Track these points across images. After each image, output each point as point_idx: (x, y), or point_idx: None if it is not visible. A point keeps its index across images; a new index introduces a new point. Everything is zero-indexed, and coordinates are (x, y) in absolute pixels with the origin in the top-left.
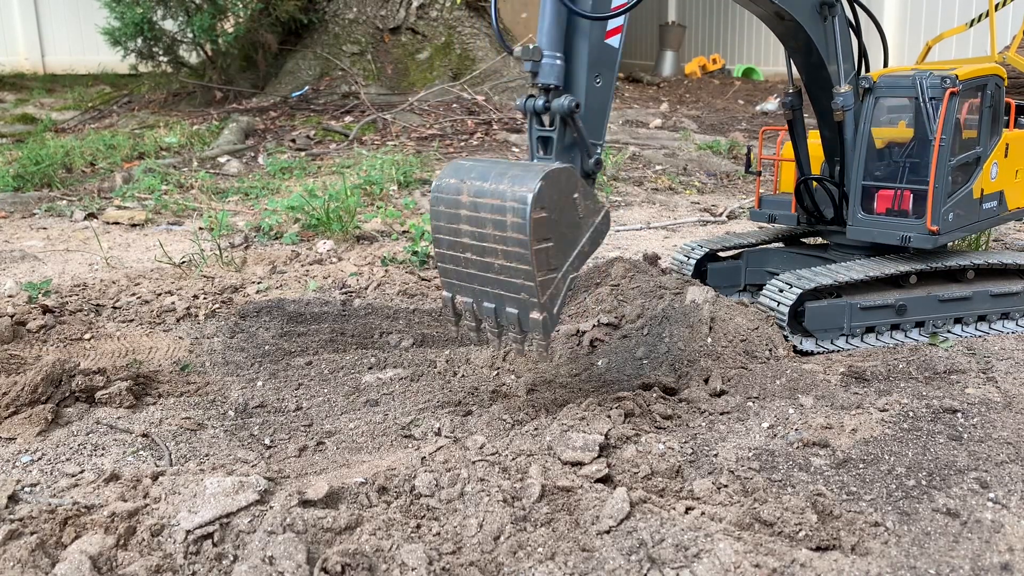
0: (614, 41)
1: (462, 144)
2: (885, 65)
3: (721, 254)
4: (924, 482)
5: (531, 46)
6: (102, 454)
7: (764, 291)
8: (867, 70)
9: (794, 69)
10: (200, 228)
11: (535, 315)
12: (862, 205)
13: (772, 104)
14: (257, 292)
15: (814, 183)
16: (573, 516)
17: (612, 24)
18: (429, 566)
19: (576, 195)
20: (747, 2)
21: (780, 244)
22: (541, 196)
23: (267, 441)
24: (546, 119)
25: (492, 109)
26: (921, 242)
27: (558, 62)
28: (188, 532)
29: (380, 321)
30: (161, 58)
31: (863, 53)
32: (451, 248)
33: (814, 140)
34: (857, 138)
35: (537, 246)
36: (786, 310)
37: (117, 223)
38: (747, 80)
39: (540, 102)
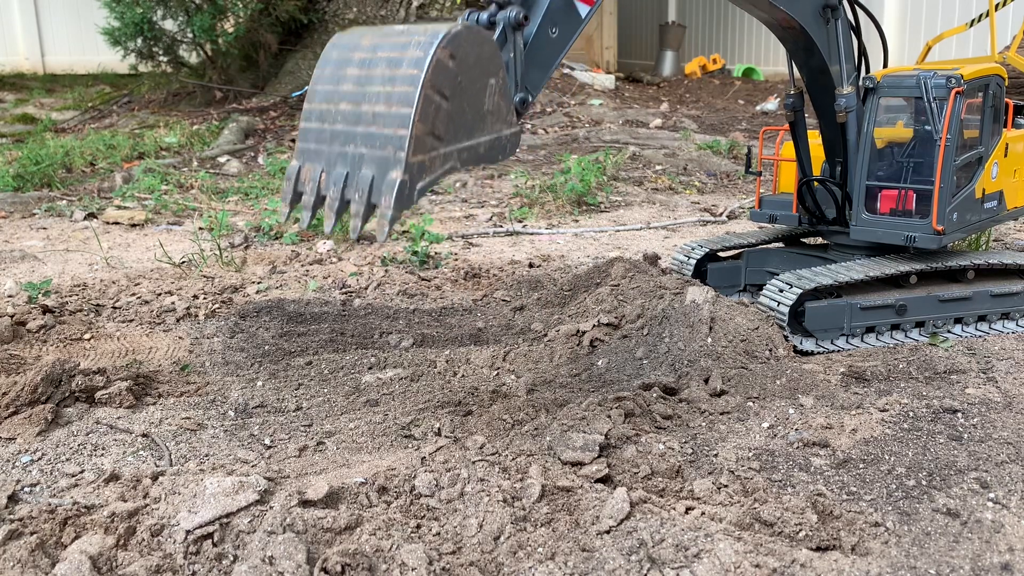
0: (583, 8)
1: None
2: (885, 65)
3: (721, 254)
4: (924, 482)
5: None
6: (102, 454)
7: (764, 291)
8: (867, 71)
9: (795, 70)
10: (200, 228)
11: (394, 174)
12: (866, 205)
13: (772, 104)
14: (257, 292)
15: (816, 184)
16: (573, 516)
17: None
18: (429, 566)
19: (492, 82)
20: (750, 7)
21: (780, 244)
22: (457, 40)
23: (267, 441)
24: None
25: None
26: (926, 242)
27: None
28: (188, 532)
29: (380, 321)
30: (161, 58)
31: (863, 54)
32: (326, 100)
33: (815, 140)
34: (860, 138)
35: (429, 91)
36: (786, 310)
37: (117, 223)
38: (747, 80)
39: (485, 16)
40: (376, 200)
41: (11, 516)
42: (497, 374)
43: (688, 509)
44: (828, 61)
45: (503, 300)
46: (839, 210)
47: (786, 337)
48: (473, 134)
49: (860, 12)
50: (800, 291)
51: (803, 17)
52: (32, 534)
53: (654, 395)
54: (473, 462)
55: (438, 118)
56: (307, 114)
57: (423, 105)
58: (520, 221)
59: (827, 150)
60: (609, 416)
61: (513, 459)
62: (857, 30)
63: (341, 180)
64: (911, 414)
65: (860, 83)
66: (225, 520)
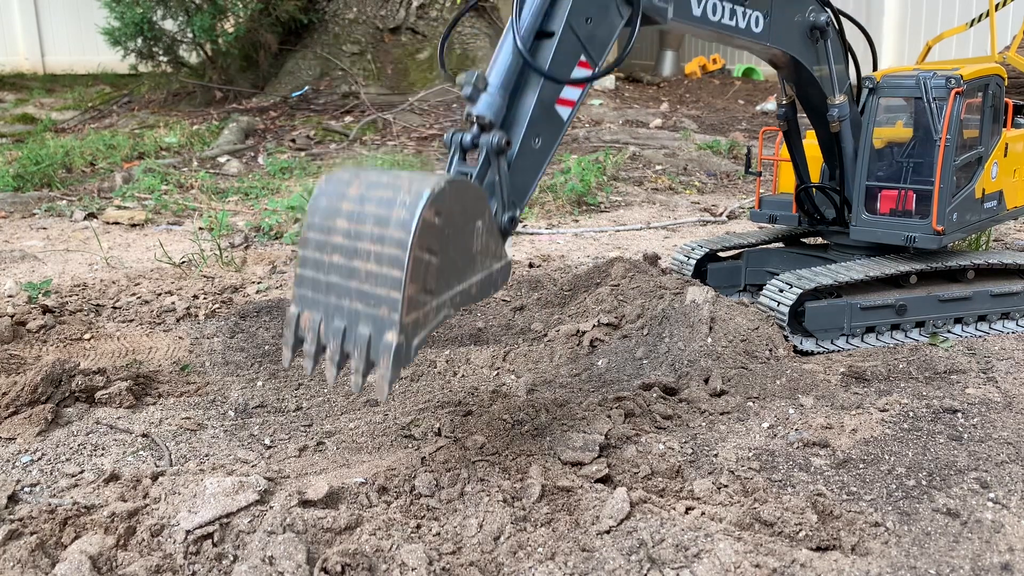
0: (563, 111)
1: None
2: (874, 69)
3: (721, 254)
4: (924, 482)
5: (476, 72)
6: (102, 454)
7: (764, 291)
8: (858, 76)
9: (785, 83)
10: (200, 228)
11: (390, 336)
12: (865, 205)
13: (772, 104)
14: (257, 292)
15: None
16: (573, 516)
17: (565, 94)
18: (429, 566)
19: (479, 224)
20: (742, 47)
21: (780, 244)
22: (441, 197)
23: (267, 441)
24: (471, 157)
25: None
26: (926, 242)
27: (499, 99)
28: (188, 532)
29: None
30: (161, 58)
31: (855, 61)
32: (318, 249)
33: (811, 140)
34: (861, 141)
35: (418, 252)
36: (786, 310)
37: (117, 223)
38: (747, 80)
39: (468, 137)
40: (374, 359)
41: (11, 516)
42: (497, 374)
43: (688, 509)
44: (818, 78)
45: (503, 300)
46: (838, 212)
47: (786, 337)
48: (464, 278)
49: (848, 20)
50: (800, 291)
51: (794, 48)
52: (32, 534)
53: (654, 395)
54: (473, 462)
55: (428, 274)
56: (302, 260)
57: (413, 267)
58: (520, 221)
59: (824, 154)
60: (609, 416)
61: (513, 459)
62: (842, 32)
63: (339, 334)
64: (911, 414)
65: (856, 89)
66: (225, 520)
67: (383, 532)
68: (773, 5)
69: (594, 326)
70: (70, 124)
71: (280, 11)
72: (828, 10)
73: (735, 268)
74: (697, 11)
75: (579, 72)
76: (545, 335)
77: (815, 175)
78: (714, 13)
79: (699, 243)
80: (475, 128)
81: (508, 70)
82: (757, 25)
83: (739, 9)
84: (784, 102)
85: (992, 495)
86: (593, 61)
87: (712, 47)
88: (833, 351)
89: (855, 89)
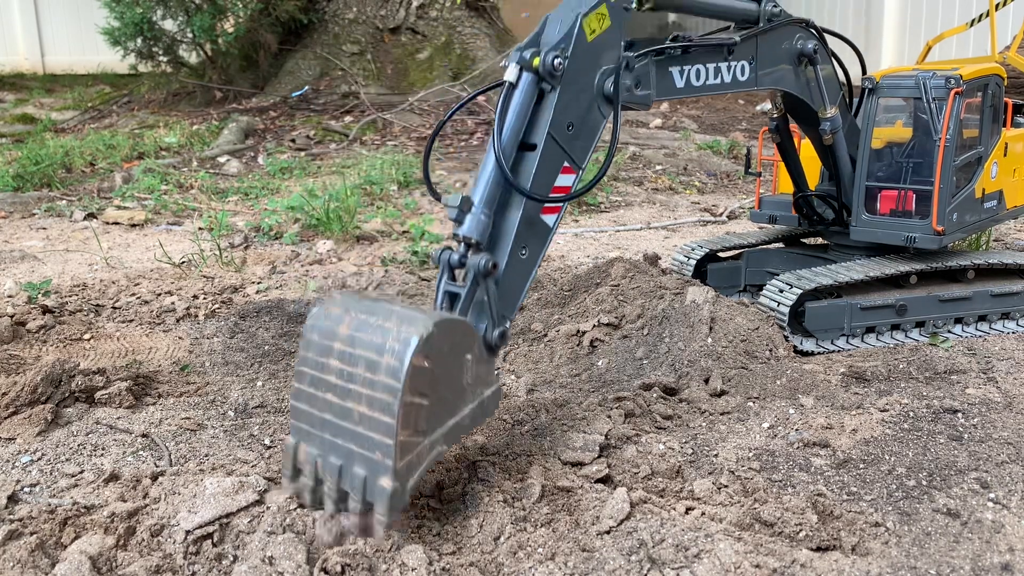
0: (549, 219)
1: (462, 144)
2: (864, 74)
3: (721, 254)
4: (924, 482)
5: (462, 195)
6: (102, 454)
7: (764, 291)
8: (848, 84)
9: (777, 97)
10: (200, 228)
11: (384, 482)
12: (865, 206)
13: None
14: (257, 292)
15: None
16: (573, 516)
17: (550, 203)
18: (429, 566)
19: (468, 357)
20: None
21: (780, 244)
22: (429, 343)
23: (267, 441)
24: (459, 274)
25: (492, 110)
26: (926, 243)
27: (484, 218)
28: (188, 532)
29: None
30: (161, 58)
31: (843, 67)
32: (312, 385)
33: (808, 141)
34: (862, 138)
35: (408, 398)
36: (786, 310)
37: (117, 223)
38: None
39: (456, 256)
40: (371, 500)
41: (11, 516)
42: (497, 374)
43: (688, 509)
44: (809, 100)
45: None
46: (837, 215)
47: (786, 337)
48: (456, 411)
49: (834, 36)
50: (800, 291)
51: (783, 83)
52: (32, 534)
53: (654, 395)
54: (473, 462)
55: (419, 417)
56: (296, 394)
57: (404, 413)
58: None
59: (822, 159)
60: (609, 416)
61: (513, 459)
62: (826, 45)
63: (336, 472)
64: (911, 414)
65: (848, 96)
66: (225, 520)
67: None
68: (758, 49)
69: (594, 326)
70: (70, 124)
71: (280, 11)
72: (814, 33)
73: (735, 268)
74: (680, 83)
75: (563, 180)
76: (545, 335)
77: (815, 176)
78: (698, 78)
79: (699, 243)
80: (462, 247)
81: (492, 186)
82: (743, 74)
83: (723, 66)
84: (775, 116)
85: (992, 495)
86: (576, 165)
87: None
88: (833, 351)
89: (847, 98)
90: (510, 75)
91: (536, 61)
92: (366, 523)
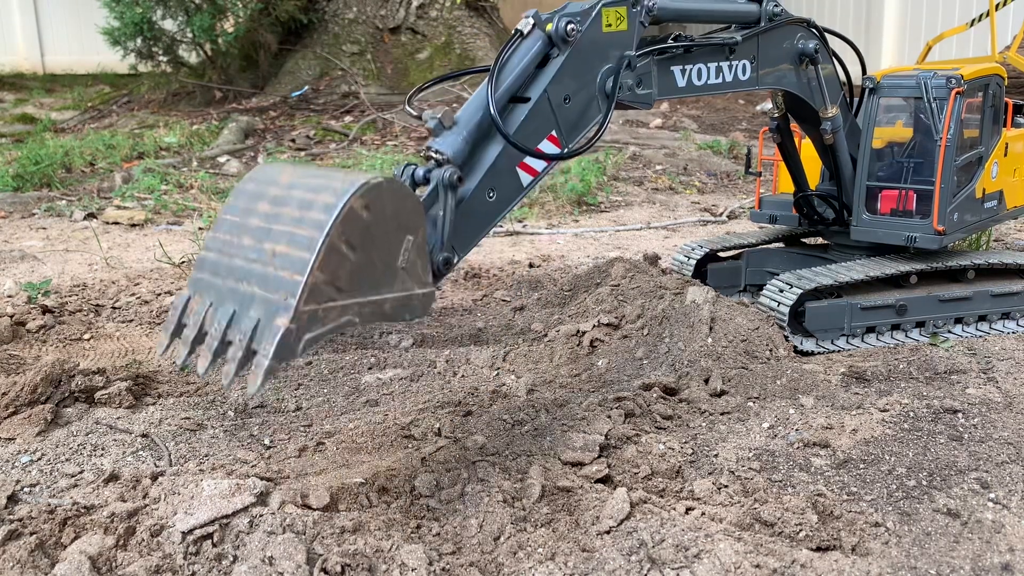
0: (524, 177)
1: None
2: (864, 73)
3: (721, 254)
4: (925, 482)
5: (446, 109)
6: (102, 454)
7: (764, 291)
8: (849, 83)
9: (778, 96)
10: (200, 228)
11: (280, 320)
12: (866, 206)
13: (771, 104)
14: None
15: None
16: (573, 516)
17: (530, 161)
18: (429, 566)
19: (410, 238)
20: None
21: (780, 244)
22: (373, 191)
23: (267, 441)
24: (422, 192)
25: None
26: (927, 242)
27: (463, 141)
28: (188, 532)
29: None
30: (161, 58)
31: (843, 66)
32: (229, 232)
33: (809, 141)
34: (862, 138)
35: (335, 240)
36: (786, 310)
37: (117, 223)
38: None
39: (422, 171)
40: (256, 346)
41: (11, 516)
42: (497, 374)
43: (688, 509)
44: (810, 100)
45: (503, 300)
46: (838, 214)
47: (786, 337)
48: (380, 289)
49: (835, 36)
50: (800, 291)
51: (784, 83)
52: (32, 534)
53: (654, 395)
54: (473, 462)
55: (341, 268)
56: (208, 243)
57: (326, 253)
58: (520, 221)
59: (822, 159)
60: (609, 416)
61: (513, 459)
62: (827, 44)
63: (226, 319)
64: (911, 414)
65: (848, 96)
66: (225, 520)
67: (383, 532)
68: (760, 48)
69: (594, 326)
70: (70, 124)
71: (280, 11)
72: (815, 32)
73: (735, 268)
74: (682, 82)
75: (546, 147)
76: (545, 335)
77: (815, 176)
78: (700, 78)
79: (699, 243)
80: (431, 162)
81: (477, 115)
82: (745, 73)
83: (724, 65)
84: (776, 115)
85: (992, 495)
86: (564, 141)
87: None
88: (833, 351)
89: (848, 97)
90: (523, 26)
91: (550, 26)
92: (243, 370)
